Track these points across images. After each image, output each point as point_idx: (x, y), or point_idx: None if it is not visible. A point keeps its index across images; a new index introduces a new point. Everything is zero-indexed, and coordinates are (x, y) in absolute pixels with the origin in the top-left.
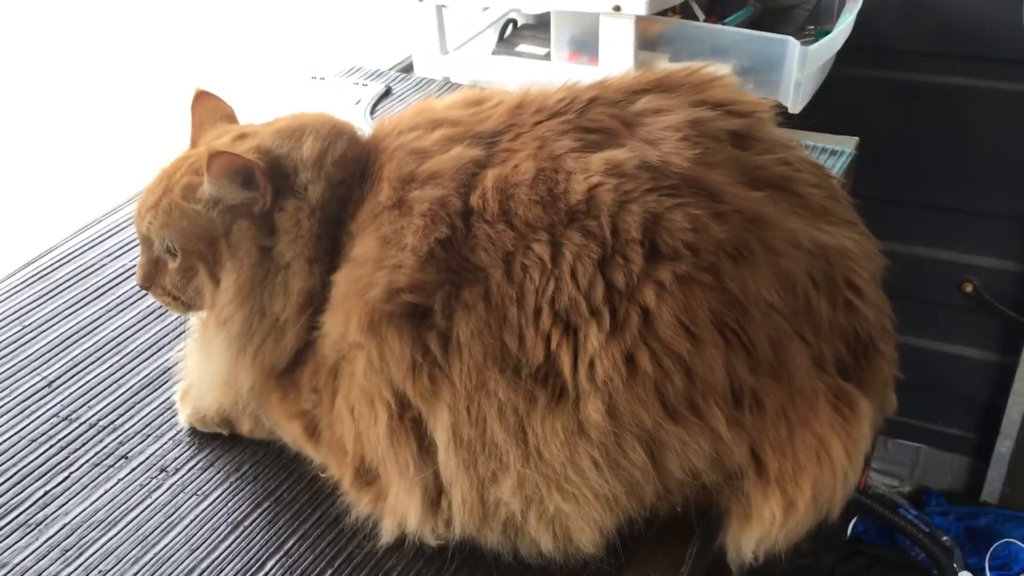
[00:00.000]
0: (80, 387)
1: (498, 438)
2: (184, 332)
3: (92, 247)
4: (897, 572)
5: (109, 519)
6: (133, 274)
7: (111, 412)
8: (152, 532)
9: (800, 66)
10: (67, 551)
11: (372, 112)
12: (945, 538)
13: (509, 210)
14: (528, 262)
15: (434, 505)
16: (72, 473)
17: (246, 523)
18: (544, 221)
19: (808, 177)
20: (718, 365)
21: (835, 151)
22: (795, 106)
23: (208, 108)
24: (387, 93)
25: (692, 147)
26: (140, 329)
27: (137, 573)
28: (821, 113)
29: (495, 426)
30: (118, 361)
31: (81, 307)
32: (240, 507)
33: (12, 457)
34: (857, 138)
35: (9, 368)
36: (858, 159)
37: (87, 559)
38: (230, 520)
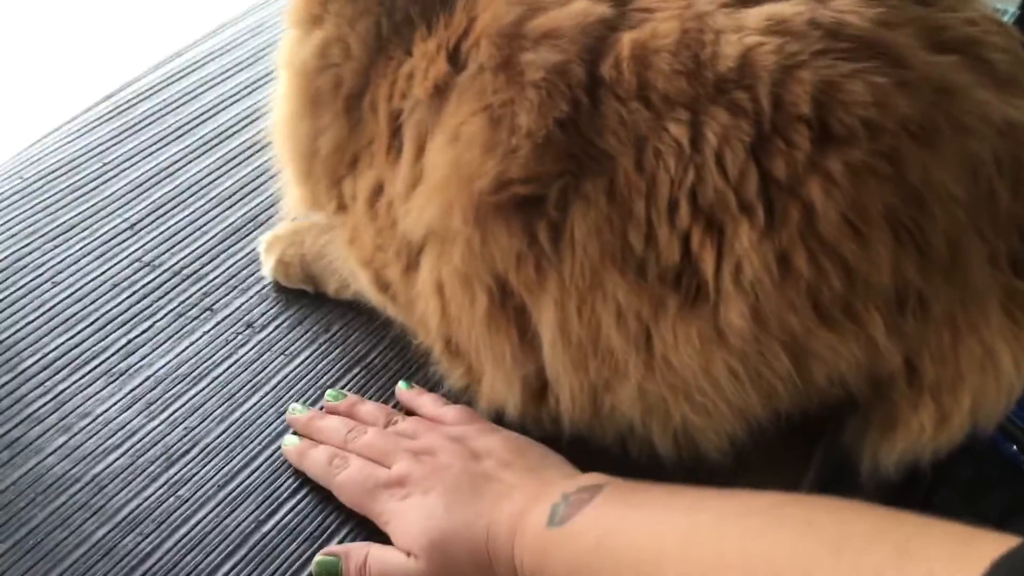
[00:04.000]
0: (163, 232)
1: (614, 344)
2: (271, 179)
3: (174, 82)
4: (985, 466)
5: (194, 373)
6: (216, 113)
7: (195, 260)
8: (239, 391)
9: None
10: (151, 404)
11: None
12: None
13: (647, 83)
14: (662, 147)
15: (536, 400)
16: (156, 323)
17: (335, 389)
18: (687, 95)
19: (996, 40)
20: (885, 266)
21: (995, 9)
22: None
23: None
24: None
25: (871, 5)
26: (224, 174)
27: (224, 432)
28: None
29: (611, 331)
30: (202, 207)
31: (162, 147)
32: (329, 371)
33: (95, 302)
34: None
35: (90, 207)
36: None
37: (172, 414)
38: (319, 385)
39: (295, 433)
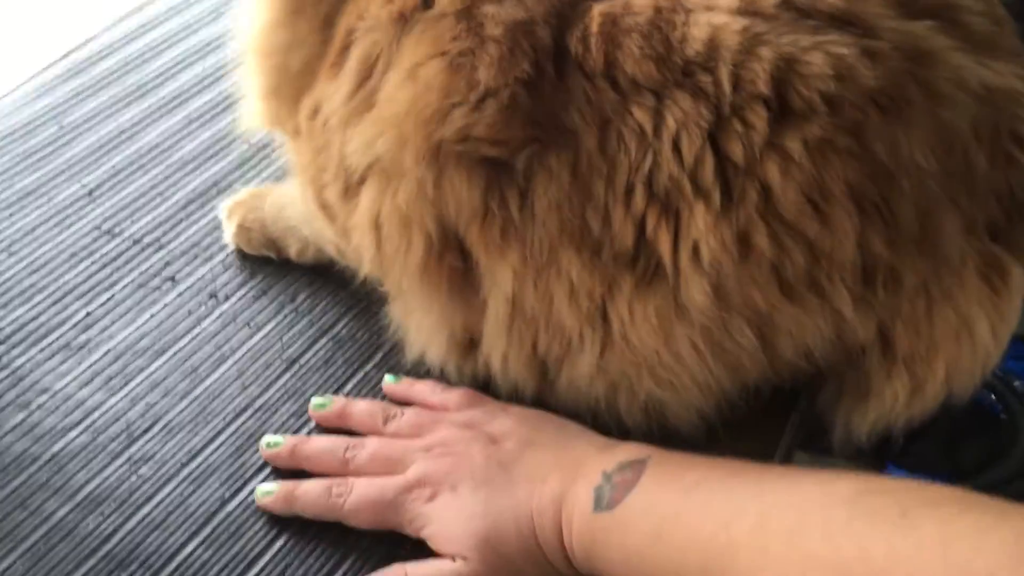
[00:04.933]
0: (122, 198)
1: (566, 320)
2: (233, 142)
3: (134, 40)
4: (962, 416)
5: (156, 347)
6: (178, 72)
7: (156, 228)
8: (202, 364)
9: None
10: (111, 379)
11: None
12: (1017, 383)
13: (615, 64)
14: (626, 130)
15: (460, 353)
16: (116, 294)
17: (301, 360)
18: (654, 80)
19: (974, 4)
20: (849, 241)
21: None
22: None
23: None
24: None
25: None
26: (185, 136)
27: (186, 408)
28: None
29: (563, 307)
30: (162, 171)
31: (122, 109)
32: (295, 343)
33: (52, 272)
34: None
35: (47, 172)
36: None
37: (132, 389)
38: (284, 356)
39: (271, 475)
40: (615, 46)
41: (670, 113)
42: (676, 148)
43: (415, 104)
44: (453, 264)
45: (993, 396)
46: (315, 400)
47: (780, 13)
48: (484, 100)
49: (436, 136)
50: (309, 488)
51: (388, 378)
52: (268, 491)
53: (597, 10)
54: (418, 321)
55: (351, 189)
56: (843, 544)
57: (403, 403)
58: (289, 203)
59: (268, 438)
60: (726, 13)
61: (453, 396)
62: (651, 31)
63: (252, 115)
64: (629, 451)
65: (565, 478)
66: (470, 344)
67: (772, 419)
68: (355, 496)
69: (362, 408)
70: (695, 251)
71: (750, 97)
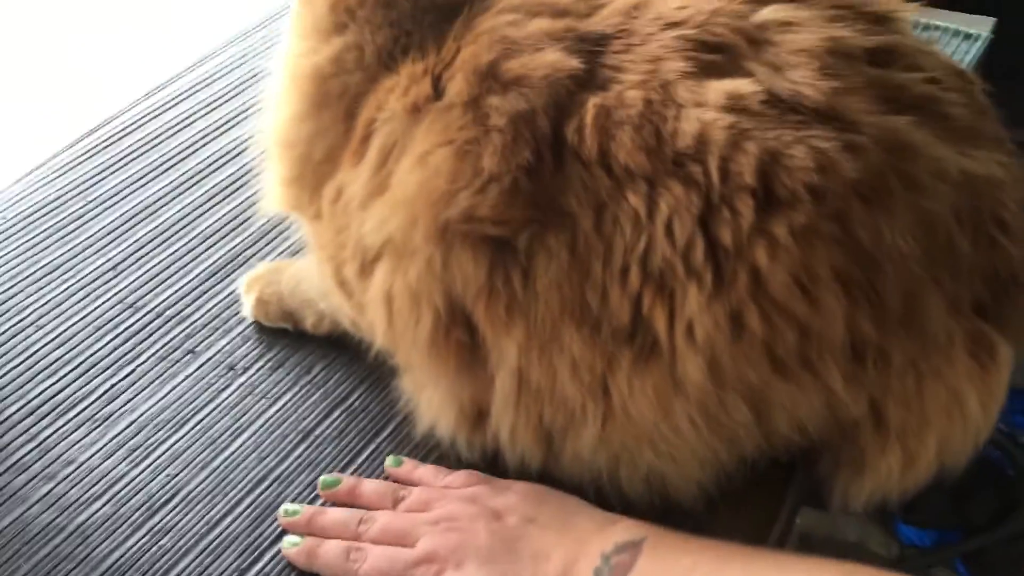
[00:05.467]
0: (146, 272)
1: (569, 393)
2: (252, 216)
3: (157, 116)
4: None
5: (177, 418)
6: (199, 148)
7: (178, 301)
8: (221, 435)
9: None
10: (134, 451)
11: None
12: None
13: (609, 153)
14: (621, 214)
15: (470, 426)
16: (139, 366)
17: (316, 432)
18: (646, 168)
19: (955, 96)
20: (838, 322)
21: (968, 35)
22: None
23: None
24: None
25: (829, 78)
26: (208, 211)
27: (206, 479)
28: None
29: (567, 381)
30: (185, 245)
31: (146, 183)
32: (311, 414)
33: (78, 345)
34: (994, 19)
35: (74, 248)
36: (994, 44)
37: (155, 460)
38: (300, 428)
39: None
40: (608, 137)
41: (663, 199)
42: (669, 231)
43: (424, 187)
44: (460, 339)
45: (1000, 453)
46: (324, 479)
47: (765, 110)
48: (488, 184)
49: (443, 216)
50: (330, 548)
51: (390, 461)
52: (295, 543)
53: (592, 102)
54: (428, 394)
55: (366, 267)
56: None
57: (408, 484)
58: (306, 277)
59: (287, 506)
60: (714, 109)
61: (457, 477)
62: (642, 123)
63: (273, 200)
64: (627, 530)
65: (567, 557)
66: (479, 417)
67: (770, 490)
68: (370, 563)
69: (372, 488)
70: (689, 329)
71: (737, 188)
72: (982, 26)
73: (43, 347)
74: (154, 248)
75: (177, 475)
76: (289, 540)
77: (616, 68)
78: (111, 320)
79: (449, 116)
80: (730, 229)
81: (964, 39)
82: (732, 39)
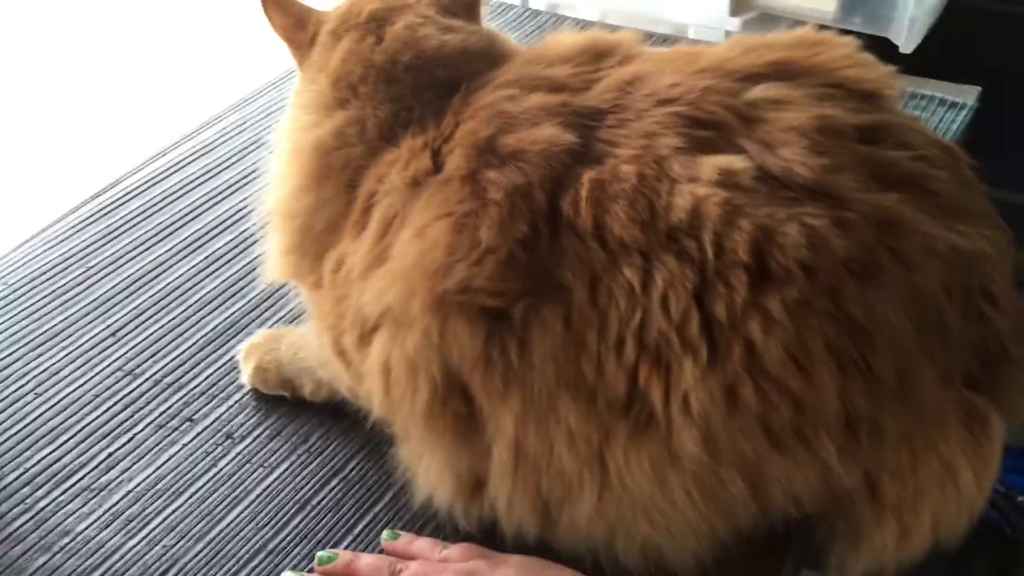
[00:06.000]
0: (145, 339)
1: (566, 464)
2: (251, 282)
3: (158, 182)
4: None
5: (174, 488)
6: (200, 214)
7: (176, 368)
8: (217, 506)
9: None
10: (130, 521)
11: None
12: (1021, 498)
13: (604, 226)
14: (616, 287)
15: (468, 495)
16: (137, 435)
17: (313, 502)
18: (641, 243)
19: (942, 173)
20: (831, 395)
21: (954, 103)
22: (907, 45)
23: None
24: None
25: (819, 155)
26: (206, 277)
27: (202, 550)
28: (936, 53)
29: (563, 453)
30: (184, 312)
31: (146, 249)
32: (307, 484)
33: (76, 413)
34: (979, 88)
35: (74, 314)
36: (980, 113)
37: (151, 532)
38: (297, 498)
39: None
40: (603, 210)
41: (658, 273)
42: (664, 305)
43: (423, 259)
44: (457, 409)
45: (998, 514)
46: (321, 555)
47: (757, 186)
48: (485, 256)
49: (440, 287)
50: None
51: (386, 534)
52: None
53: (587, 176)
54: (426, 464)
55: (365, 336)
56: None
57: (405, 558)
58: (304, 345)
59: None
60: (707, 185)
61: (454, 550)
62: (637, 196)
63: (273, 269)
64: None
65: None
66: (476, 487)
67: (767, 560)
68: None
69: (368, 563)
70: (685, 402)
71: (732, 263)
72: (968, 95)
73: (42, 415)
74: (154, 314)
75: (173, 546)
76: None
77: (611, 142)
78: (110, 388)
79: (448, 189)
80: (724, 303)
81: (950, 108)
82: (724, 116)
